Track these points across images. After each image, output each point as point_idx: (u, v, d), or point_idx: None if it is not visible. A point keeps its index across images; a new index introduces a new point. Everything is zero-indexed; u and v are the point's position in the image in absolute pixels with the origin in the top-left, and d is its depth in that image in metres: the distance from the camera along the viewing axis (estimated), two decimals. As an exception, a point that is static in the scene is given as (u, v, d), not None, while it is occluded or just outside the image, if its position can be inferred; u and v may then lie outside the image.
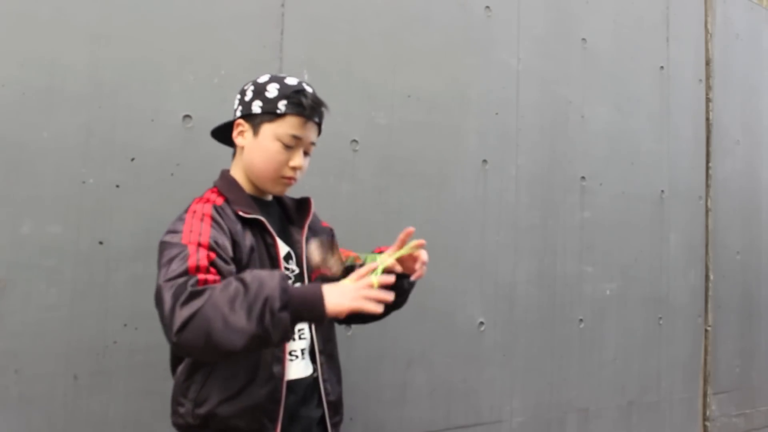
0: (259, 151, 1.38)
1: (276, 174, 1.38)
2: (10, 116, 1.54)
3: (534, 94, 2.60)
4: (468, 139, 2.39)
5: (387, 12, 2.20)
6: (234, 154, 1.47)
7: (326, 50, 2.06)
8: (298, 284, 1.39)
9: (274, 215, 1.46)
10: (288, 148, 1.37)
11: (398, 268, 1.34)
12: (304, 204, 1.52)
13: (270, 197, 1.49)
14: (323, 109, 1.42)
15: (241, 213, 1.33)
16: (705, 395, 3.21)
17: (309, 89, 1.41)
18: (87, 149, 1.63)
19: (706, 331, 3.24)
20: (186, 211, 1.32)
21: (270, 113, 1.36)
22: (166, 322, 1.14)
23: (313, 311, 1.16)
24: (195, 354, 1.23)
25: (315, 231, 1.51)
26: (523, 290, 2.52)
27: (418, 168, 2.25)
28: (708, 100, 3.31)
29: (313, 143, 1.42)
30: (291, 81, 1.40)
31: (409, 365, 2.19)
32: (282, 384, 1.32)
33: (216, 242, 1.24)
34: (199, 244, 1.22)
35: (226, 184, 1.41)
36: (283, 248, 1.41)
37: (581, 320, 2.71)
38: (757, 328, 3.57)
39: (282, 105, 1.36)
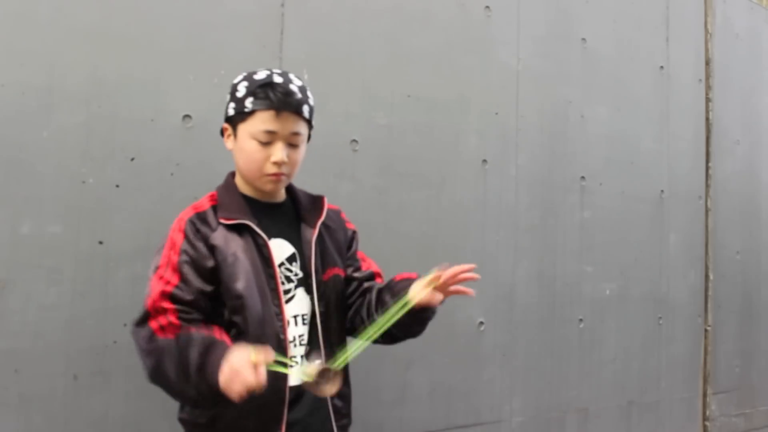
0: (239, 153, 1.38)
1: (259, 173, 1.36)
2: (10, 116, 1.54)
3: (534, 94, 2.60)
4: (468, 139, 2.39)
5: (387, 12, 2.20)
6: None
7: (326, 50, 2.06)
8: (299, 289, 1.39)
9: (281, 216, 1.43)
10: (265, 144, 1.34)
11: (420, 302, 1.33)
12: (318, 202, 1.48)
13: (281, 198, 1.46)
14: (298, 97, 1.35)
15: (222, 220, 1.34)
16: (705, 395, 3.21)
17: (279, 80, 1.35)
18: (87, 149, 1.63)
19: (705, 331, 3.24)
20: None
21: (240, 113, 1.35)
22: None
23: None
24: None
25: (331, 230, 1.48)
26: (523, 290, 2.52)
27: (418, 168, 2.25)
28: (708, 100, 3.31)
29: (296, 133, 1.36)
30: (259, 75, 1.36)
31: (409, 365, 2.19)
32: (285, 386, 1.32)
33: (185, 262, 1.30)
34: (171, 268, 1.30)
35: (224, 189, 1.42)
36: (284, 250, 1.39)
37: (581, 320, 2.71)
38: (757, 328, 3.57)
39: (249, 102, 1.33)
